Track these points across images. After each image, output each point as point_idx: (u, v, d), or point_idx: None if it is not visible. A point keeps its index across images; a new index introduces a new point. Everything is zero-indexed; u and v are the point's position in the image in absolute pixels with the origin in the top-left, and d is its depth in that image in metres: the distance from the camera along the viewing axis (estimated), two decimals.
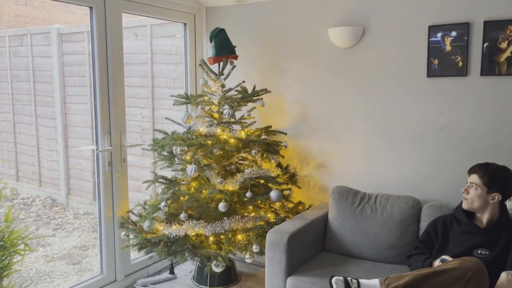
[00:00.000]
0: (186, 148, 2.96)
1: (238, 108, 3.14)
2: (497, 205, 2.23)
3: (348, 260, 2.72)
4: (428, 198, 2.86)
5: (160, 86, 4.42)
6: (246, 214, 3.05)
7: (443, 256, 2.15)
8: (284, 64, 3.34)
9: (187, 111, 3.23)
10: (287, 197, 3.15)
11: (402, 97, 2.91)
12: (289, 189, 3.18)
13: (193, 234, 2.91)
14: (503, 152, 2.62)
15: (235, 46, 3.28)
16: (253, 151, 2.97)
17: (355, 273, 2.52)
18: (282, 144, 3.20)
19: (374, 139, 3.04)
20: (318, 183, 3.31)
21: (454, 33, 2.67)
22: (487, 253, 2.18)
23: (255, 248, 2.81)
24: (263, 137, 3.11)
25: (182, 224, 2.89)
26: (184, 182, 3.07)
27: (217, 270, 2.81)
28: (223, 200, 2.85)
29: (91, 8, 2.85)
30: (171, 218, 2.96)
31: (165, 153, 3.06)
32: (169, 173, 3.13)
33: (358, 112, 3.08)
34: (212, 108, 3.13)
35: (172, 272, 3.35)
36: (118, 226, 3.10)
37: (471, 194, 2.24)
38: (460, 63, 2.67)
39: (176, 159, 3.01)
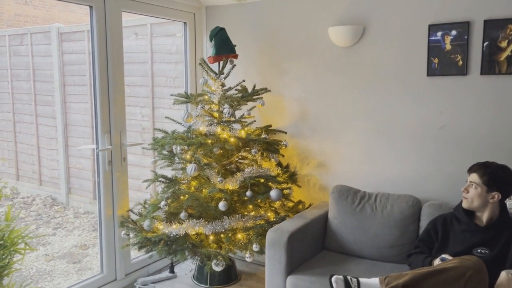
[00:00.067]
0: (186, 147, 2.96)
1: (238, 107, 3.14)
2: (497, 204, 2.23)
3: (348, 259, 2.73)
4: (428, 197, 2.86)
5: (160, 85, 4.42)
6: (246, 213, 3.05)
7: (443, 255, 2.15)
8: (284, 63, 3.34)
9: (187, 110, 3.23)
10: (287, 196, 3.15)
11: (402, 96, 2.91)
12: (289, 188, 3.19)
13: (193, 233, 2.92)
14: (503, 151, 2.62)
15: (235, 45, 3.28)
16: (253, 150, 2.97)
17: (355, 272, 2.52)
18: (282, 143, 3.20)
19: (374, 138, 3.04)
20: (318, 182, 3.31)
21: (454, 32, 2.67)
22: (487, 252, 2.19)
23: (255, 247, 2.81)
24: (263, 136, 3.11)
25: (182, 223, 2.89)
26: (184, 181, 3.07)
27: (217, 269, 2.81)
28: (223, 199, 2.85)
29: (91, 7, 2.85)
30: (171, 217, 2.96)
31: (165, 152, 3.06)
32: (169, 172, 3.14)
33: (358, 111, 3.08)
34: (212, 107, 3.13)
35: (172, 271, 3.36)
36: (118, 225, 3.10)
37: (471, 193, 2.24)
38: (460, 62, 2.67)
39: (176, 158, 3.02)
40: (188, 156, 2.97)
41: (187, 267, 3.49)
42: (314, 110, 3.26)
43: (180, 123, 3.13)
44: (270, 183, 3.03)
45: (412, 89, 2.86)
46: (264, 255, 2.75)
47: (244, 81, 3.24)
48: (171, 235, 2.88)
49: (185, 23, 3.57)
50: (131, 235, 3.02)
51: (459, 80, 2.71)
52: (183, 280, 3.30)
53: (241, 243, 2.90)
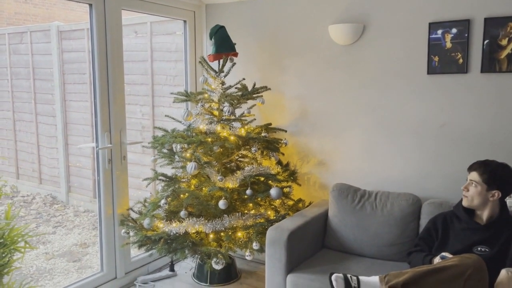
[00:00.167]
0: (186, 146, 2.96)
1: (238, 105, 3.14)
2: (497, 202, 2.23)
3: (348, 258, 2.73)
4: (428, 196, 2.86)
5: (160, 84, 4.41)
6: (246, 211, 3.05)
7: (443, 253, 2.15)
8: (284, 61, 3.34)
9: (187, 109, 3.23)
10: (287, 195, 3.15)
11: (402, 95, 2.90)
12: (289, 186, 3.19)
13: (193, 231, 2.92)
14: (503, 149, 2.62)
15: (235, 43, 3.28)
16: (253, 149, 2.97)
17: (355, 270, 2.52)
18: (282, 142, 3.19)
19: (374, 137, 3.04)
20: (318, 180, 3.31)
21: (454, 30, 2.67)
22: (487, 250, 2.19)
23: (255, 246, 2.81)
24: (263, 134, 3.11)
25: (182, 222, 2.89)
26: (184, 180, 3.07)
27: (217, 267, 2.81)
28: (223, 198, 2.85)
29: (90, 5, 2.85)
30: (171, 215, 2.96)
31: (165, 150, 3.06)
32: (169, 171, 3.14)
33: (358, 110, 3.08)
34: (212, 105, 3.13)
35: (172, 270, 3.36)
36: (118, 223, 3.10)
37: (471, 192, 2.24)
38: (461, 60, 2.67)
39: (176, 156, 3.01)
40: (188, 155, 2.96)
41: (187, 265, 3.49)
42: (314, 109, 3.25)
43: (180, 122, 3.13)
44: (270, 181, 3.03)
45: (412, 87, 2.86)
46: (264, 254, 2.75)
47: (244, 79, 3.23)
48: (171, 234, 2.88)
49: (185, 21, 3.56)
50: (131, 233, 3.02)
51: (459, 78, 2.70)
52: (183, 278, 3.30)
53: (241, 242, 2.90)
